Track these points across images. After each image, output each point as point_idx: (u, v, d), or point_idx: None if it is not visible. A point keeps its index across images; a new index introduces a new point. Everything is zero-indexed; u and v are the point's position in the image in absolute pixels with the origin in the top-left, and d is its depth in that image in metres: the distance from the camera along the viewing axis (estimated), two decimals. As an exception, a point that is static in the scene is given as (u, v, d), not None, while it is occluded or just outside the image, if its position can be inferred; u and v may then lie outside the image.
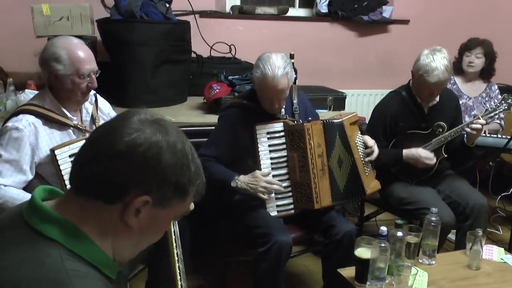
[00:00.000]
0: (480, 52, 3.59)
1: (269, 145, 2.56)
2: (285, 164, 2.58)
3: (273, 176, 2.54)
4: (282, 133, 2.57)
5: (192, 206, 1.98)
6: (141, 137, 0.93)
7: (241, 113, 2.57)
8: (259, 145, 2.54)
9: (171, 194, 0.97)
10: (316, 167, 2.50)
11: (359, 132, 2.65)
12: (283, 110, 2.61)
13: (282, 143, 2.57)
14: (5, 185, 2.03)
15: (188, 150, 0.99)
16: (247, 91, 2.78)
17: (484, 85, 3.72)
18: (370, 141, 2.67)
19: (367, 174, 2.64)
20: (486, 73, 3.69)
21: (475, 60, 3.60)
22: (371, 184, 2.67)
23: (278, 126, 2.57)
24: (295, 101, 2.68)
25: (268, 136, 2.56)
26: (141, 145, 0.93)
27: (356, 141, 2.61)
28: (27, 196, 2.01)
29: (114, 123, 0.98)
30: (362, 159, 2.62)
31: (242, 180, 2.46)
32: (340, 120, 2.58)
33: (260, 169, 2.52)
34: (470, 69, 3.63)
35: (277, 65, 2.39)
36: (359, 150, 2.62)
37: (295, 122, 2.60)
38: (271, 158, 2.56)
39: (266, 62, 2.40)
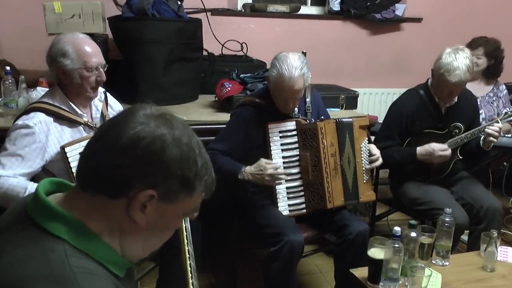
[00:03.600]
0: (481, 53, 3.53)
1: (282, 144, 2.54)
2: (297, 163, 2.56)
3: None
4: (294, 132, 2.56)
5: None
6: (145, 130, 0.92)
7: (255, 111, 2.55)
8: (271, 144, 2.53)
9: (177, 189, 0.95)
10: (329, 167, 2.48)
11: (367, 139, 2.62)
12: (296, 109, 2.59)
13: (295, 142, 2.56)
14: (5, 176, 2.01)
15: (194, 145, 0.97)
16: (260, 89, 2.76)
17: (491, 85, 3.66)
18: (375, 150, 2.64)
19: (364, 181, 2.60)
20: (490, 73, 3.62)
21: (476, 61, 3.51)
22: (367, 193, 2.63)
23: (291, 125, 2.55)
24: (308, 100, 2.66)
25: (281, 135, 2.54)
26: (145, 138, 0.91)
27: (361, 145, 2.58)
28: (27, 183, 2.01)
29: (120, 118, 0.97)
30: (363, 165, 2.59)
31: (248, 171, 2.43)
32: (351, 120, 2.57)
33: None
34: None
35: (294, 65, 2.37)
36: (362, 156, 2.59)
37: (307, 121, 2.58)
38: (283, 157, 2.55)
39: (283, 62, 2.38)
